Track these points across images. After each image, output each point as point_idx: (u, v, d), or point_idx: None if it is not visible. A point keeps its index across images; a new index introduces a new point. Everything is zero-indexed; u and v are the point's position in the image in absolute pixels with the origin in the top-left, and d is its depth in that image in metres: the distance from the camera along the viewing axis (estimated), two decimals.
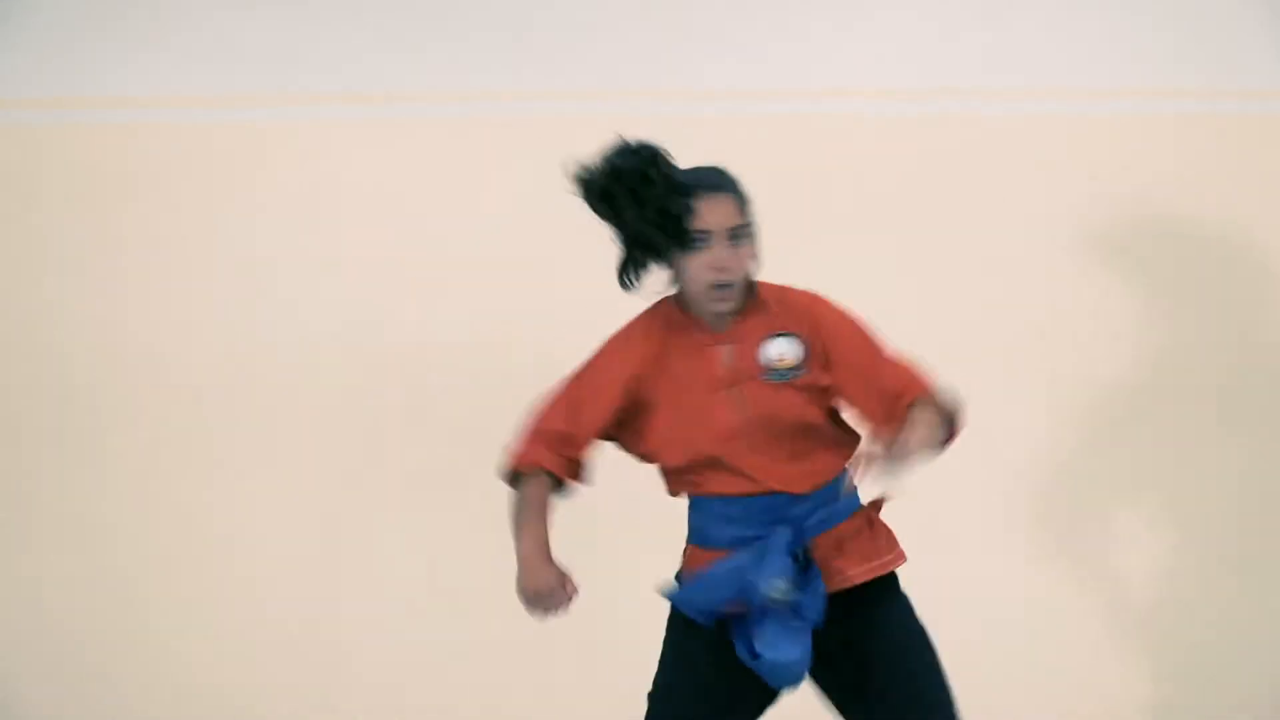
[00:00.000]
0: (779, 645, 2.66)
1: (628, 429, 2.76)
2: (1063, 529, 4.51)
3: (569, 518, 4.45)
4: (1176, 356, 4.49)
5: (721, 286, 2.64)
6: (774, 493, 2.70)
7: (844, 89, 4.49)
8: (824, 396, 2.72)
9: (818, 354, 2.72)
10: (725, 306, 2.68)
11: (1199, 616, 4.50)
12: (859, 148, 4.42)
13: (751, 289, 2.73)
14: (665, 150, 2.69)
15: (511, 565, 4.38)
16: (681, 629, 2.80)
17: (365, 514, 4.55)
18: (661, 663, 2.83)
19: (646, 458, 2.77)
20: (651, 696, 2.83)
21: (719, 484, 2.74)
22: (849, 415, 2.81)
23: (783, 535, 2.68)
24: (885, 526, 2.81)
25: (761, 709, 2.80)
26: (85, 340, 4.51)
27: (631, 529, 4.20)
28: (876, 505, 2.82)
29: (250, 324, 4.52)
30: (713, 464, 2.71)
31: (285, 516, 4.53)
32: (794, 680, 2.68)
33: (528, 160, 4.49)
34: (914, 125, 4.54)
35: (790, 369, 2.70)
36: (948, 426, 2.69)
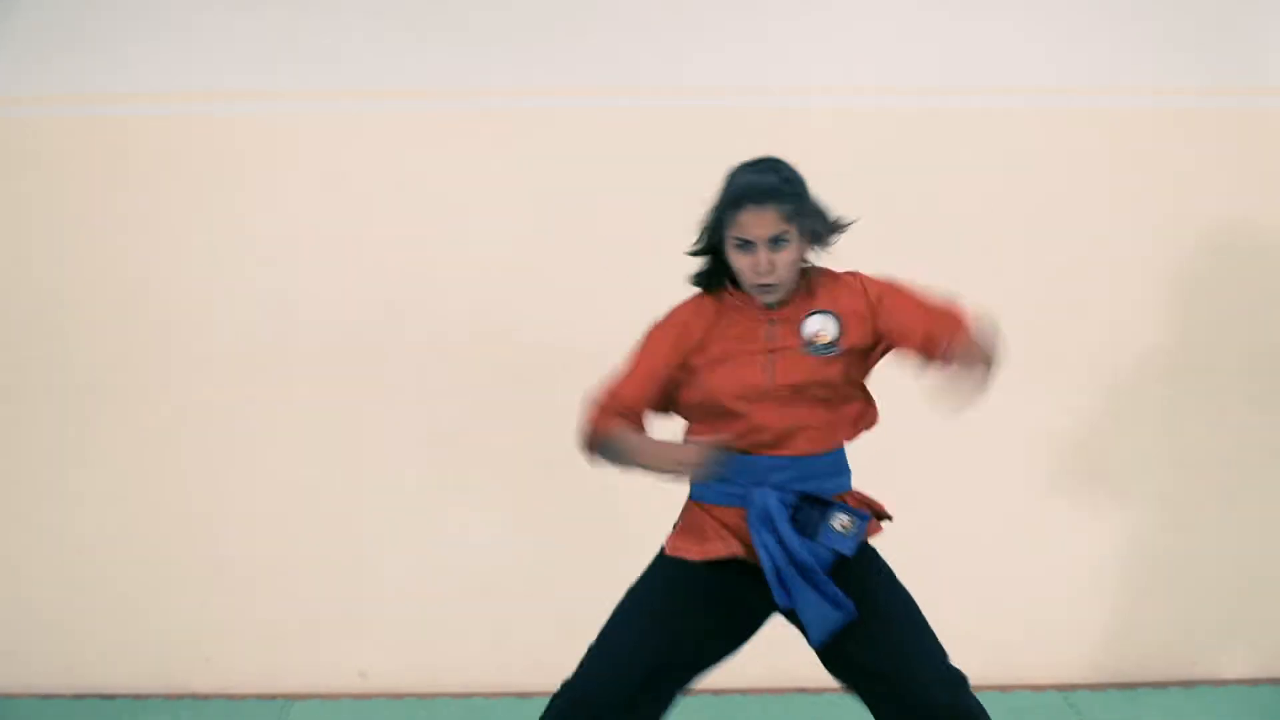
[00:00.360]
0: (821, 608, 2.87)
1: (683, 389, 2.95)
2: (1078, 497, 4.55)
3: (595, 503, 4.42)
4: (1170, 345, 4.53)
5: (763, 286, 2.86)
6: (764, 452, 2.89)
7: (840, 85, 4.51)
8: (863, 362, 2.94)
9: (861, 322, 2.94)
10: (770, 298, 2.88)
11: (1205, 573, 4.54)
12: (855, 142, 4.42)
13: (806, 274, 2.94)
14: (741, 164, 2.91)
15: (509, 544, 4.63)
16: (668, 581, 2.97)
17: (372, 491, 4.57)
18: (638, 608, 2.98)
19: (695, 406, 2.95)
20: (613, 637, 2.95)
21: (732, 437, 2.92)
22: (894, 367, 3.00)
23: (767, 496, 2.87)
24: (866, 507, 2.98)
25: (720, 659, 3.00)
26: (97, 323, 4.53)
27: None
28: (858, 498, 2.99)
29: (258, 310, 4.52)
30: (732, 415, 2.89)
31: (295, 492, 4.56)
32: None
33: (518, 153, 4.53)
34: (910, 119, 4.53)
35: (828, 344, 2.90)
36: (986, 359, 2.88)
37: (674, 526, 3.04)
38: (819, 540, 2.87)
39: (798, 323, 2.93)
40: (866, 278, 3.01)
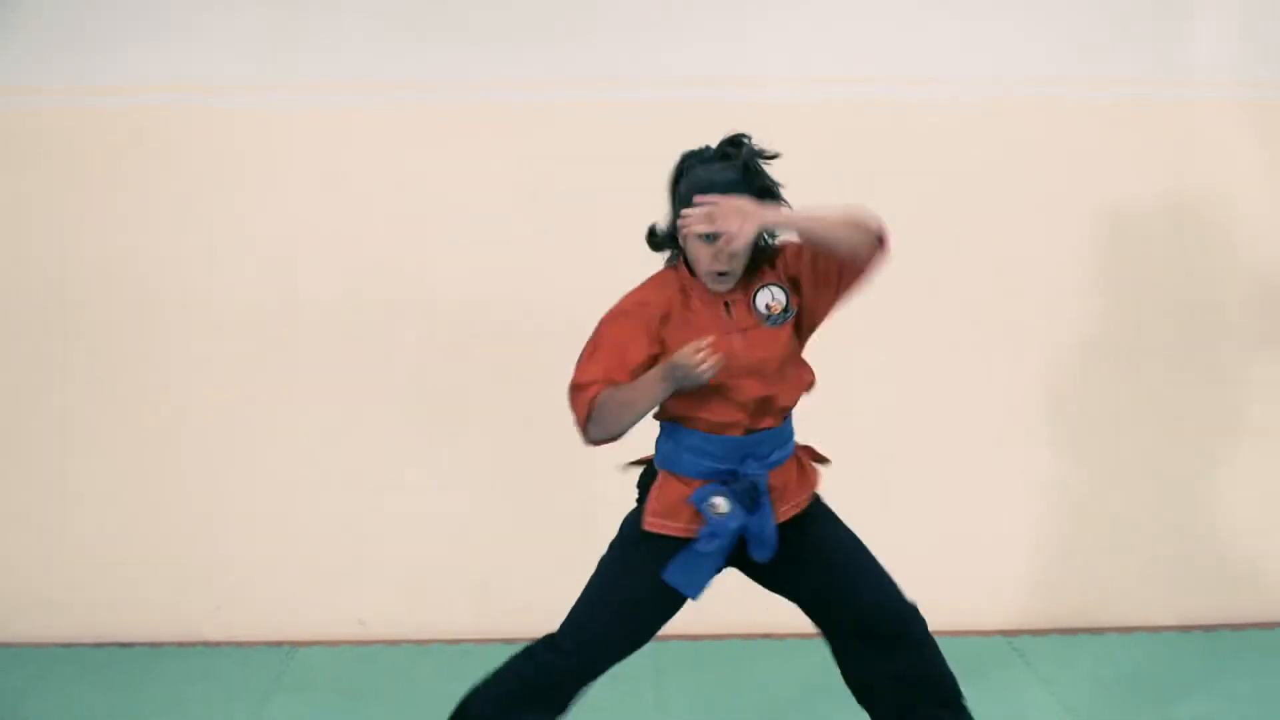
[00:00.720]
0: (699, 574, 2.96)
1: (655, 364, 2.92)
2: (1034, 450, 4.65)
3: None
4: (1110, 325, 4.61)
5: (721, 275, 2.92)
6: (752, 431, 2.93)
7: (838, 77, 4.51)
8: (804, 324, 3.00)
9: (792, 284, 2.98)
10: (723, 286, 2.95)
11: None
12: (849, 134, 4.42)
13: (753, 252, 2.95)
14: (702, 150, 2.98)
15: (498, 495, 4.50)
16: (632, 555, 3.06)
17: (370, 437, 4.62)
18: (612, 580, 3.09)
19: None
20: (592, 605, 3.07)
21: (710, 414, 2.93)
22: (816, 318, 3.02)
23: (755, 469, 2.95)
24: (811, 466, 3.10)
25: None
26: (97, 321, 4.57)
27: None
28: (808, 450, 3.12)
29: (259, 292, 4.56)
30: (718, 392, 2.89)
31: (300, 468, 4.65)
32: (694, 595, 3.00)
33: (516, 147, 4.54)
34: (903, 110, 4.53)
35: (782, 312, 2.97)
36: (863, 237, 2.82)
37: (642, 499, 3.10)
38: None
39: (748, 301, 2.96)
40: (789, 242, 3.00)
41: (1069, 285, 4.59)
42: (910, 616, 3.09)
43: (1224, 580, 4.68)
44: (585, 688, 3.16)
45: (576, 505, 4.56)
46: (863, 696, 3.15)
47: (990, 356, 4.61)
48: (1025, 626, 4.61)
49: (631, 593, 3.07)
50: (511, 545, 4.67)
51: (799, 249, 2.98)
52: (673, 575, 2.98)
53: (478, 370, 4.60)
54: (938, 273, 4.48)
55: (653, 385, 2.84)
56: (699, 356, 2.75)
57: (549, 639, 3.12)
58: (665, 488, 3.03)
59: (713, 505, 2.94)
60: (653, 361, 2.91)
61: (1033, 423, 4.65)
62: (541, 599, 4.11)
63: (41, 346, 4.58)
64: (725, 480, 2.96)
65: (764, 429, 2.98)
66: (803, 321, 3.04)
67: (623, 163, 4.42)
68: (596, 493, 4.29)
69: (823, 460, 3.16)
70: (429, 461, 4.66)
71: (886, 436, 4.52)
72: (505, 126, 4.52)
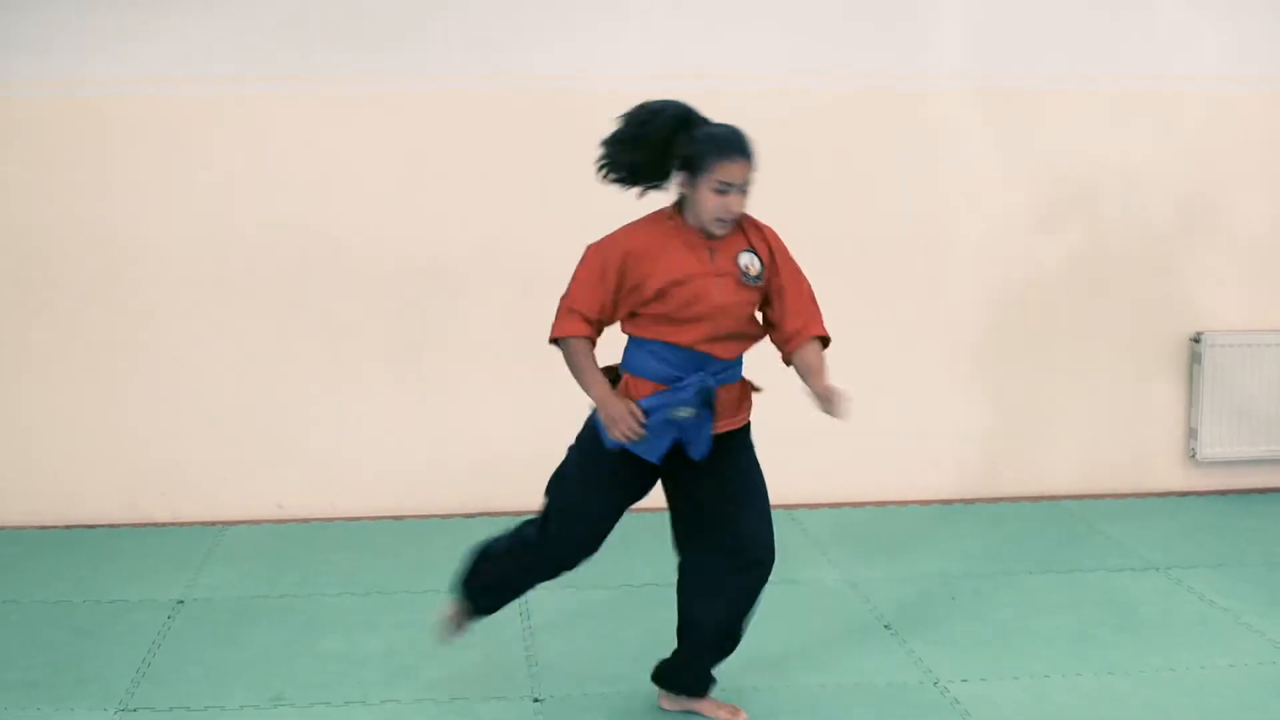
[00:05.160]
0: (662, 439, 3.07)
1: (631, 295, 3.03)
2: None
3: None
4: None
5: (724, 221, 3.04)
6: (708, 355, 3.08)
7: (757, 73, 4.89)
8: (761, 297, 3.14)
9: (769, 268, 3.12)
10: (723, 232, 3.06)
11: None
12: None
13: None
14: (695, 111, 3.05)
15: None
16: (594, 443, 3.14)
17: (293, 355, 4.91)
18: (578, 463, 3.19)
19: (641, 306, 3.03)
20: (563, 484, 3.18)
21: (677, 335, 3.04)
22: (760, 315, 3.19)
23: (700, 378, 3.06)
24: (750, 395, 3.23)
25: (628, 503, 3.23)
26: (81, 256, 4.83)
27: None
28: (746, 382, 3.26)
29: (207, 235, 4.83)
30: (695, 319, 3.02)
31: (230, 375, 4.93)
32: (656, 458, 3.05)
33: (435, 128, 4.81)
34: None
35: (756, 276, 3.09)
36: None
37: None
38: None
39: (732, 255, 3.07)
40: (777, 237, 3.15)
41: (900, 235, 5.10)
42: (769, 558, 3.21)
43: (959, 464, 5.28)
44: (573, 556, 3.25)
45: (449, 412, 4.98)
46: (685, 594, 3.29)
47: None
48: (804, 502, 5.18)
49: (599, 470, 3.17)
50: (402, 439, 4.97)
51: (775, 236, 3.18)
52: (635, 447, 3.09)
53: (372, 302, 4.94)
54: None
55: (590, 387, 3.03)
56: (625, 427, 2.98)
57: (537, 520, 3.26)
58: (628, 388, 3.13)
59: (677, 413, 3.05)
60: (616, 294, 3.04)
61: (952, 352, 5.10)
62: (425, 484, 4.76)
63: (25, 291, 4.83)
64: (677, 383, 3.07)
65: (714, 355, 3.10)
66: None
67: (479, 146, 4.79)
68: (460, 400, 4.86)
69: (756, 389, 3.25)
70: (334, 376, 4.93)
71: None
72: (385, 113, 4.85)
